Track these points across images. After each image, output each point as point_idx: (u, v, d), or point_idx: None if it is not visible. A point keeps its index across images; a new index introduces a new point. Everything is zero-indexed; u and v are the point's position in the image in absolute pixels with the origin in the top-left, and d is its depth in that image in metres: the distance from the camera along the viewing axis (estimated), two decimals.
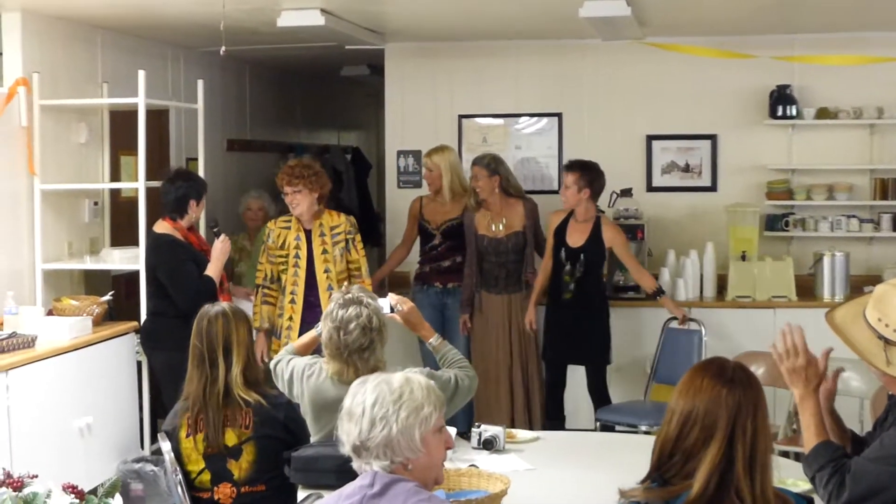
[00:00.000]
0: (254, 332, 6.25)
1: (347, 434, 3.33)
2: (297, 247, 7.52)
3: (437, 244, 8.80)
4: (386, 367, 4.97)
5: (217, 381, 4.90)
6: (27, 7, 7.70)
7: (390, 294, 5.30)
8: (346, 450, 3.36)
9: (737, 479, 3.13)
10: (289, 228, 7.57)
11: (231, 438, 4.88)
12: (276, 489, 4.91)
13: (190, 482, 4.94)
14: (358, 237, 7.55)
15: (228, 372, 4.90)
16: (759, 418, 3.20)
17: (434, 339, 5.22)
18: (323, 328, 4.94)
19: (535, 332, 8.54)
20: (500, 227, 8.53)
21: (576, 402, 8.59)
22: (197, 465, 4.93)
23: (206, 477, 4.91)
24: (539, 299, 8.49)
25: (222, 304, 5.14)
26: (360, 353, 4.87)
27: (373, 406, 3.28)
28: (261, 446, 4.89)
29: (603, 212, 8.71)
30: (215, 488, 4.89)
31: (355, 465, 3.35)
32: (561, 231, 8.38)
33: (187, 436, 4.92)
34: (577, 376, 8.47)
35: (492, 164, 8.59)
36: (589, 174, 8.28)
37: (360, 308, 4.88)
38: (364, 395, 3.31)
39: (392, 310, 5.20)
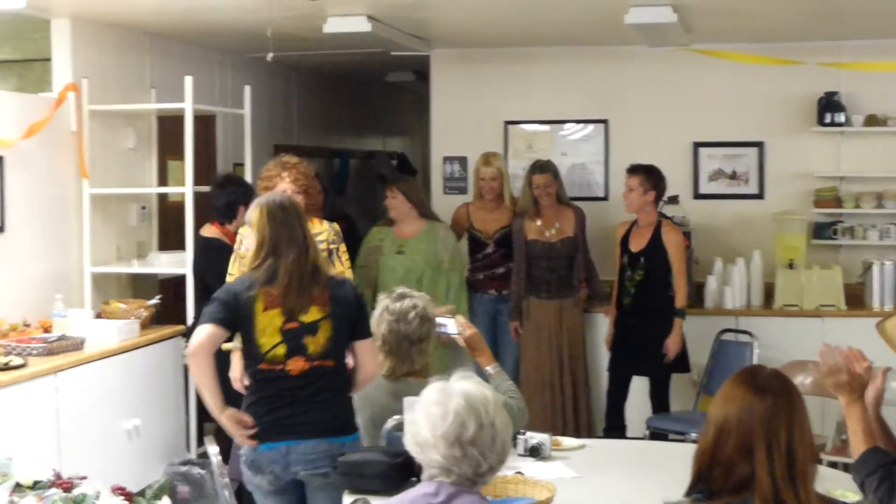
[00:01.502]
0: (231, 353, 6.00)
1: (473, 462, 3.28)
2: None
3: (491, 252, 8.72)
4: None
5: (308, 260, 5.01)
6: (77, 14, 7.77)
7: (457, 316, 5.37)
8: (454, 477, 3.33)
9: (779, 489, 3.12)
10: None
11: (314, 315, 4.96)
12: (342, 364, 5.08)
13: (260, 354, 4.97)
14: (342, 247, 6.78)
15: (315, 251, 5.10)
16: (794, 426, 3.17)
17: (492, 368, 5.28)
18: (378, 326, 5.10)
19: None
20: (553, 233, 8.50)
21: (639, 411, 8.49)
22: (272, 338, 4.95)
23: (282, 350, 4.95)
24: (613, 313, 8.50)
25: (279, 194, 5.38)
26: (418, 343, 5.08)
27: (472, 442, 3.24)
28: (336, 323, 4.99)
29: (666, 216, 8.60)
30: (288, 360, 4.96)
31: (431, 473, 3.32)
32: (625, 238, 8.39)
33: (265, 309, 4.94)
34: (642, 384, 8.41)
35: (556, 171, 8.62)
36: (654, 177, 8.28)
37: (413, 300, 5.15)
38: (493, 424, 3.29)
39: (457, 332, 5.30)
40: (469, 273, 8.77)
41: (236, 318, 4.97)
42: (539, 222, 8.52)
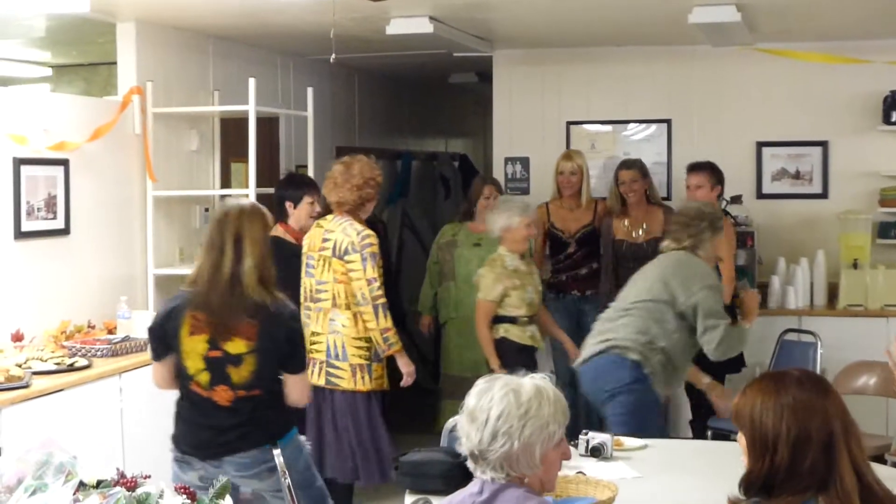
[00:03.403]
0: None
1: (467, 436, 3.32)
2: None
3: (573, 252, 8.67)
4: None
5: (222, 268, 4.85)
6: (141, 17, 7.84)
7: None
8: (463, 450, 3.36)
9: (862, 475, 3.07)
10: None
11: (237, 347, 4.85)
12: (271, 393, 4.96)
13: (188, 375, 4.97)
14: (362, 255, 6.69)
15: (238, 263, 4.85)
16: (851, 420, 3.12)
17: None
18: None
19: None
20: (641, 233, 8.46)
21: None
22: (196, 363, 4.91)
23: (206, 378, 4.90)
24: None
25: (243, 201, 5.19)
26: None
27: (497, 418, 3.26)
28: (262, 359, 4.86)
29: (728, 213, 8.60)
30: (213, 389, 4.90)
31: (471, 467, 3.36)
32: None
33: (190, 334, 4.89)
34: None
35: (644, 168, 8.61)
36: (717, 173, 8.30)
37: None
38: (491, 401, 3.29)
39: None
40: (552, 275, 8.75)
41: (168, 343, 4.97)
42: (626, 222, 8.49)
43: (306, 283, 6.90)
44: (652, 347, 6.34)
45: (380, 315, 6.60)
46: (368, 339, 6.72)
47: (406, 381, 6.87)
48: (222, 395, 4.89)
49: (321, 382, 6.72)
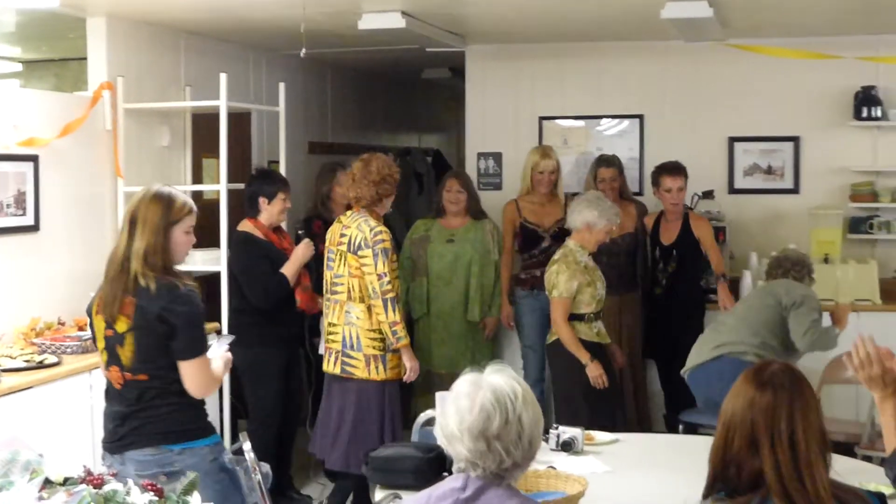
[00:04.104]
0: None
1: (460, 443, 3.22)
2: None
3: (548, 246, 8.60)
4: None
5: (118, 248, 4.80)
6: (112, 12, 7.81)
7: None
8: (451, 449, 3.30)
9: (785, 481, 3.11)
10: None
11: (121, 325, 4.73)
12: (161, 380, 4.74)
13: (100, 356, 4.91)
14: (376, 250, 6.88)
15: (129, 245, 4.76)
16: (796, 417, 3.17)
17: None
18: None
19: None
20: (615, 228, 8.48)
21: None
22: (101, 343, 4.84)
23: (105, 358, 4.83)
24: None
25: (155, 186, 4.98)
26: None
27: (497, 436, 3.17)
28: (138, 338, 4.72)
29: (690, 208, 8.72)
30: (109, 370, 4.82)
31: (461, 466, 3.29)
32: (654, 230, 8.54)
33: (96, 313, 4.83)
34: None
35: (621, 165, 8.69)
36: (686, 174, 8.52)
37: None
38: (486, 413, 3.18)
39: None
40: (524, 270, 8.74)
41: (91, 325, 4.92)
42: None
43: (326, 275, 7.09)
44: (765, 346, 6.87)
45: (388, 309, 6.77)
46: (382, 331, 6.89)
47: (409, 376, 6.95)
48: (115, 376, 4.79)
49: (337, 371, 6.96)
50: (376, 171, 6.95)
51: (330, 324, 7.02)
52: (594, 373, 7.08)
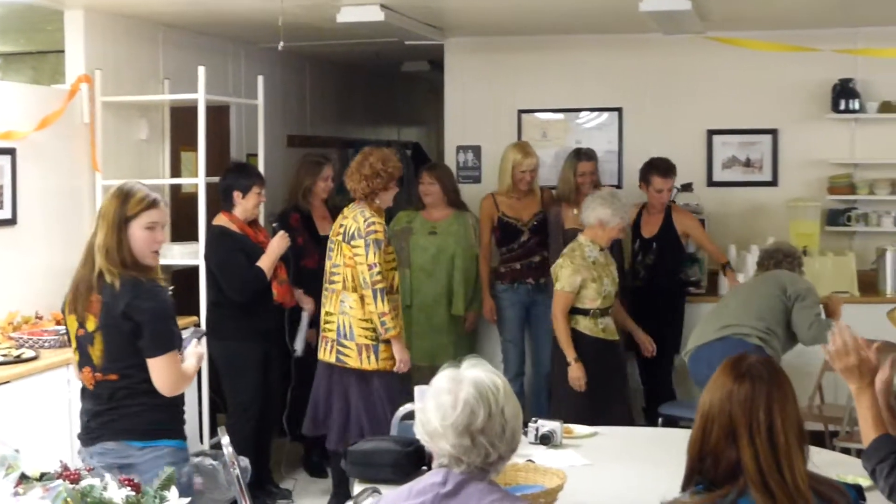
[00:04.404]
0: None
1: (444, 440, 3.20)
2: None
3: (527, 240, 8.64)
4: None
5: (88, 244, 4.76)
6: (89, 5, 7.77)
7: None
8: (433, 446, 3.28)
9: (764, 473, 3.12)
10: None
11: (90, 324, 4.70)
12: (131, 380, 4.70)
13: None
14: (366, 240, 7.02)
15: (93, 241, 4.74)
16: (774, 409, 3.19)
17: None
18: None
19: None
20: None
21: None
22: (74, 343, 4.82)
23: (77, 358, 4.81)
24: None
25: (130, 181, 4.96)
26: None
27: (481, 431, 3.17)
28: (106, 336, 4.68)
29: (673, 201, 8.72)
30: (81, 371, 4.79)
31: (442, 461, 3.28)
32: (635, 223, 8.56)
33: (69, 312, 4.80)
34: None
35: (596, 157, 8.67)
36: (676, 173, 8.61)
37: None
38: (469, 408, 3.17)
39: None
40: (503, 264, 8.72)
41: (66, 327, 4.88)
42: (576, 211, 8.50)
43: (326, 265, 7.23)
44: (769, 332, 6.95)
45: (378, 299, 6.87)
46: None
47: (399, 367, 7.02)
48: (87, 378, 4.76)
49: (332, 360, 7.08)
50: (369, 165, 7.04)
51: (327, 313, 7.14)
52: (574, 374, 7.13)
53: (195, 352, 4.98)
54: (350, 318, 6.99)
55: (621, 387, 7.55)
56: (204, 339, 5.21)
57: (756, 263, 7.71)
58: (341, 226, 7.08)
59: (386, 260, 6.98)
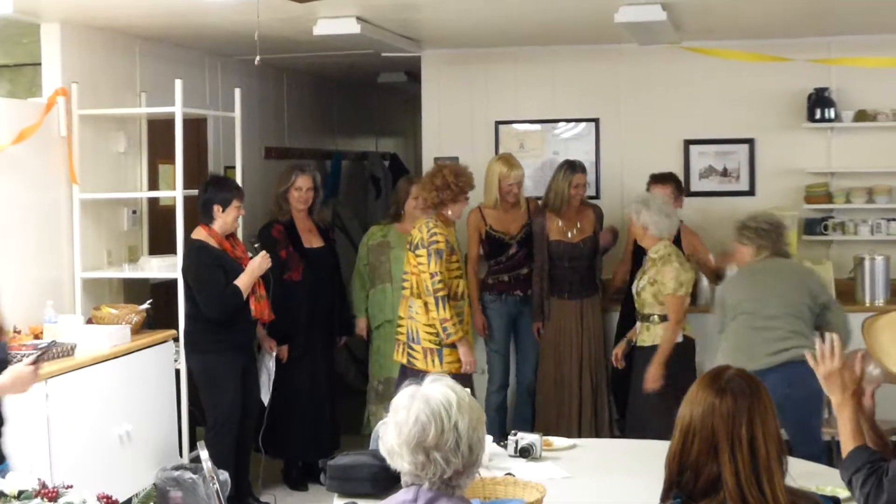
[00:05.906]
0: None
1: (400, 457, 3.21)
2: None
3: (514, 252, 8.63)
4: None
5: None
6: (66, 18, 7.76)
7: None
8: (393, 463, 3.27)
9: (743, 488, 3.14)
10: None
11: None
12: None
13: None
14: (428, 249, 7.43)
15: None
16: (755, 424, 3.20)
17: None
18: None
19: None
20: (575, 233, 8.52)
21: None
22: None
23: None
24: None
25: None
26: None
27: (434, 447, 3.14)
28: None
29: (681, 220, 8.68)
30: None
31: (407, 479, 3.27)
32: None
33: None
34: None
35: (585, 169, 8.70)
36: (680, 184, 8.70)
37: None
38: (420, 424, 3.16)
39: None
40: (491, 276, 8.70)
41: None
42: (560, 223, 8.52)
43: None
44: (809, 338, 6.82)
45: (439, 306, 7.27)
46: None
47: (466, 368, 7.40)
48: None
49: (403, 361, 7.53)
50: (442, 176, 7.42)
51: (399, 317, 7.64)
52: (659, 373, 7.35)
53: (13, 367, 5.02)
54: (416, 323, 7.40)
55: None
56: None
57: (745, 239, 7.32)
58: (411, 235, 7.49)
59: (449, 268, 7.36)
